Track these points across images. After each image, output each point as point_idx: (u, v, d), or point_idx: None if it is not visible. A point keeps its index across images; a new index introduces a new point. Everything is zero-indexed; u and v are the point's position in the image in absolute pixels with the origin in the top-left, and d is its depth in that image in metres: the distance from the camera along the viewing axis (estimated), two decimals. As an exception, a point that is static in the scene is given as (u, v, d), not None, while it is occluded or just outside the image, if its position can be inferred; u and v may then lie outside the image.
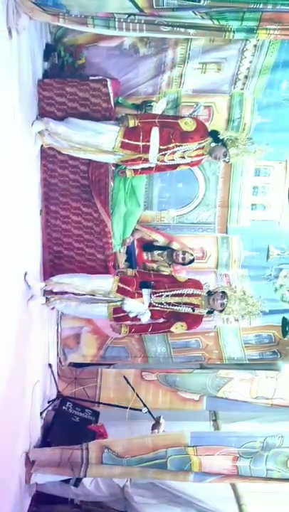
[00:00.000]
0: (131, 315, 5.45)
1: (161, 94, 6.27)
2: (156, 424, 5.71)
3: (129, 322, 5.59)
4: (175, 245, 6.60)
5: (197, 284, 5.66)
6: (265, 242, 6.98)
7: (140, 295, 5.48)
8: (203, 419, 6.89)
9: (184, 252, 6.47)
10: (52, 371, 5.96)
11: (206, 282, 5.81)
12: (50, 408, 6.17)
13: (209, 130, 5.57)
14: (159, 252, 6.62)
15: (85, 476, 5.20)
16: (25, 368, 5.14)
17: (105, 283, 5.53)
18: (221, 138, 5.47)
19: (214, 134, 5.50)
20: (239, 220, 6.94)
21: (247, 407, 6.97)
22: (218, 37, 5.24)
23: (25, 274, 5.20)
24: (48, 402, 6.15)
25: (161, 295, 5.50)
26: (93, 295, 5.47)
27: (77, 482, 5.53)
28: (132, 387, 6.39)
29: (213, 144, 5.50)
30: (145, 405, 6.18)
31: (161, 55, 6.08)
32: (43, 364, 6.04)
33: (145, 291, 5.50)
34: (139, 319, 5.48)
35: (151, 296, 5.48)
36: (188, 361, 7.16)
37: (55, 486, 5.57)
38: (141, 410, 6.17)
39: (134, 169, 5.66)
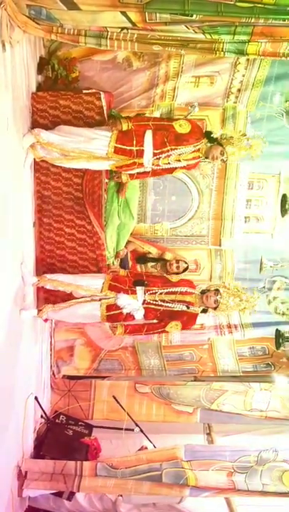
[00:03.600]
0: (124, 311, 5.38)
1: (154, 108, 6.30)
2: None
3: (122, 322, 5.53)
4: (168, 255, 6.58)
5: (190, 283, 5.66)
6: (258, 254, 6.99)
7: (134, 292, 5.44)
8: (197, 432, 6.86)
9: (177, 261, 6.46)
10: (39, 403, 5.89)
11: (198, 284, 5.77)
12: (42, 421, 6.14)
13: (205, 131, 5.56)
14: (153, 264, 6.62)
15: (78, 491, 5.16)
16: (18, 381, 5.12)
17: (97, 281, 5.51)
18: (215, 137, 5.45)
19: (208, 134, 5.48)
20: (232, 233, 6.95)
21: (241, 419, 6.95)
22: (209, 55, 5.30)
23: (21, 263, 5.25)
24: (41, 416, 6.12)
25: (155, 292, 5.46)
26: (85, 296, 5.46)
27: (71, 496, 5.50)
28: (123, 408, 6.36)
29: (208, 145, 5.46)
30: (137, 425, 6.17)
31: (155, 68, 6.11)
32: (36, 377, 6.02)
33: (139, 288, 5.45)
34: (133, 318, 5.43)
35: (144, 294, 5.44)
36: (182, 374, 7.14)
37: (48, 500, 5.53)
38: (133, 430, 6.15)
39: (129, 174, 5.62)
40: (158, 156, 5.36)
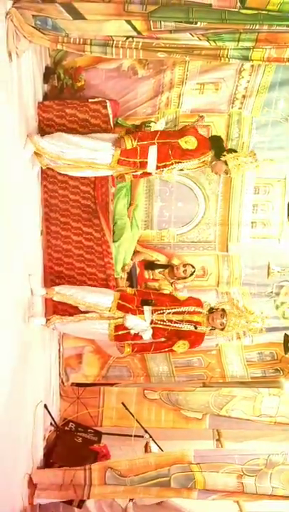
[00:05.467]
0: (132, 332, 5.40)
1: (160, 115, 6.33)
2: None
3: (130, 341, 5.55)
4: (175, 261, 6.63)
5: (198, 302, 5.63)
6: (265, 259, 6.99)
7: (141, 312, 5.44)
8: (206, 438, 6.85)
9: (184, 265, 6.48)
10: (48, 411, 5.91)
11: (206, 301, 5.78)
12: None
13: (211, 137, 5.57)
14: (160, 270, 6.64)
15: (88, 498, 5.16)
16: (27, 389, 5.13)
17: (105, 299, 5.51)
18: (222, 153, 5.36)
19: (216, 147, 5.39)
20: (239, 238, 6.96)
21: (250, 425, 6.94)
22: (214, 61, 5.32)
23: (29, 275, 5.26)
24: (50, 424, 6.13)
25: (163, 312, 5.45)
26: (93, 311, 5.46)
27: (81, 503, 5.49)
28: (132, 414, 6.37)
29: (214, 162, 5.41)
30: (147, 432, 6.16)
31: (160, 76, 6.15)
32: (44, 385, 6.03)
33: (146, 308, 5.45)
34: (141, 337, 5.44)
35: (152, 314, 5.44)
36: (191, 380, 7.12)
37: (58, 507, 5.52)
38: (142, 437, 6.14)
39: (134, 174, 5.58)
40: (161, 169, 5.37)
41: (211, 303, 5.77)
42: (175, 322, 5.43)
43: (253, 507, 5.54)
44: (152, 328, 5.44)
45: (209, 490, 4.92)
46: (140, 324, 5.40)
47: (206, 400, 6.94)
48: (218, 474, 4.92)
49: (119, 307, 5.46)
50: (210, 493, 4.93)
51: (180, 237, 6.98)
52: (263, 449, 5.62)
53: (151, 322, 5.44)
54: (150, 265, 6.67)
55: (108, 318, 5.46)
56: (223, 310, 5.47)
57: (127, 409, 6.41)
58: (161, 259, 6.71)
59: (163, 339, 5.57)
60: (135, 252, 6.49)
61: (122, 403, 6.51)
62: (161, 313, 5.46)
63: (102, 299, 5.52)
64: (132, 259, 6.49)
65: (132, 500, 5.52)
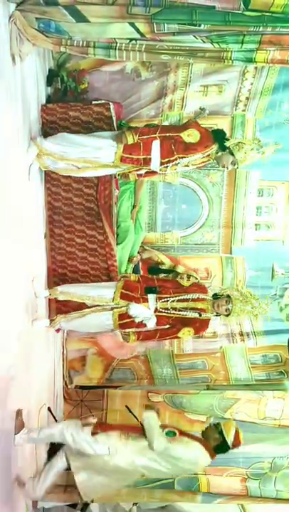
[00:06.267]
0: (136, 320, 5.33)
1: (163, 117, 6.33)
2: None
3: (134, 329, 5.48)
4: (180, 268, 6.60)
5: (202, 288, 5.59)
6: (269, 261, 6.98)
7: (145, 300, 5.39)
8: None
9: (188, 276, 6.46)
10: (52, 413, 5.89)
11: (210, 285, 5.71)
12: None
13: (214, 130, 5.47)
14: (164, 275, 6.62)
15: (92, 502, 5.15)
16: (31, 392, 5.12)
17: (108, 290, 5.47)
18: (227, 146, 5.29)
19: (220, 139, 5.32)
20: (243, 241, 6.95)
21: (255, 428, 6.90)
22: (218, 63, 5.31)
23: (32, 279, 5.25)
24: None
25: (167, 300, 5.39)
26: (98, 305, 5.43)
27: (85, 507, 5.48)
28: (136, 417, 6.32)
29: (219, 153, 5.34)
30: None
31: (163, 78, 6.16)
32: (48, 387, 6.02)
33: (150, 296, 5.40)
34: (145, 325, 5.39)
35: (156, 302, 5.40)
36: (195, 382, 7.11)
37: (62, 511, 5.52)
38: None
39: (138, 173, 5.54)
40: (166, 165, 5.29)
41: (215, 289, 5.73)
42: (179, 310, 5.38)
43: (257, 509, 5.51)
44: (156, 316, 5.37)
45: (213, 493, 4.91)
46: (144, 312, 5.33)
47: (210, 403, 6.90)
48: (223, 477, 4.91)
49: (123, 296, 5.41)
50: (214, 496, 4.92)
51: (184, 239, 6.97)
52: (268, 452, 5.60)
53: (156, 310, 5.38)
54: (154, 270, 6.65)
55: (112, 308, 5.41)
56: (228, 296, 5.42)
57: (130, 412, 6.37)
58: (166, 263, 6.69)
59: (168, 326, 5.49)
60: (143, 250, 6.48)
61: (126, 406, 6.47)
62: (165, 301, 5.40)
63: (106, 290, 5.48)
64: (139, 253, 6.48)
65: (136, 504, 5.51)
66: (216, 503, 4.96)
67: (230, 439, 4.54)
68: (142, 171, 5.47)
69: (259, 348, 7.05)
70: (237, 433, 4.63)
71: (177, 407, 6.91)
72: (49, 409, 5.78)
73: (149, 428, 4.43)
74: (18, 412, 4.52)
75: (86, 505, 5.41)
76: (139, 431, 4.53)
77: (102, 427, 4.63)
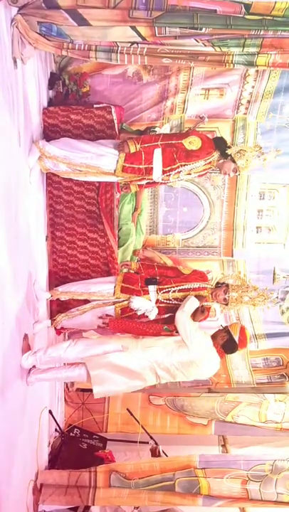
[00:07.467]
0: (139, 313, 5.28)
1: (164, 120, 6.35)
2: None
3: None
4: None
5: (203, 276, 5.51)
6: (270, 264, 6.99)
7: (146, 292, 5.32)
8: (212, 444, 6.82)
9: None
10: (53, 416, 5.90)
11: (210, 271, 5.66)
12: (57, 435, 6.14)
13: (215, 138, 5.49)
14: None
15: (93, 504, 5.15)
16: (32, 395, 5.12)
17: (108, 285, 5.44)
18: (228, 153, 5.30)
19: (221, 146, 5.32)
20: (244, 244, 6.96)
21: (256, 431, 6.91)
22: (219, 67, 5.32)
23: (33, 283, 5.25)
24: (55, 430, 6.12)
25: (168, 291, 5.33)
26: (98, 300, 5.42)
27: (86, 510, 5.47)
28: (137, 420, 6.34)
29: (221, 161, 5.34)
30: (152, 438, 6.14)
31: (165, 81, 6.17)
32: (49, 390, 6.02)
33: (151, 288, 5.34)
34: (147, 317, 5.33)
35: (157, 293, 5.36)
36: (196, 385, 7.11)
37: (63, 515, 5.51)
38: (148, 443, 6.12)
39: (139, 184, 5.55)
40: (168, 173, 5.28)
41: (216, 277, 5.69)
42: (180, 300, 5.31)
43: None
44: (158, 307, 5.33)
45: (214, 496, 4.89)
46: (146, 305, 5.29)
47: (212, 406, 6.91)
48: (223, 480, 4.90)
49: (124, 290, 5.37)
50: (215, 499, 4.91)
51: (185, 242, 6.98)
52: (269, 454, 5.57)
53: (157, 301, 5.33)
54: (150, 281, 6.61)
55: (113, 303, 5.38)
56: (227, 286, 5.36)
57: (132, 415, 6.40)
58: (168, 264, 6.67)
59: (168, 315, 5.42)
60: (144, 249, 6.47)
61: (127, 409, 6.49)
62: (166, 292, 5.35)
63: (106, 285, 5.45)
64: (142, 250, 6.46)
65: (138, 508, 5.50)
66: (217, 506, 4.94)
67: (236, 337, 4.89)
68: (143, 182, 5.49)
69: (260, 351, 7.06)
70: (244, 332, 4.95)
71: (178, 410, 6.93)
72: (50, 412, 5.78)
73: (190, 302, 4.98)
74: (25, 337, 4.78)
75: (87, 507, 5.40)
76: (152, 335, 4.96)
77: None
